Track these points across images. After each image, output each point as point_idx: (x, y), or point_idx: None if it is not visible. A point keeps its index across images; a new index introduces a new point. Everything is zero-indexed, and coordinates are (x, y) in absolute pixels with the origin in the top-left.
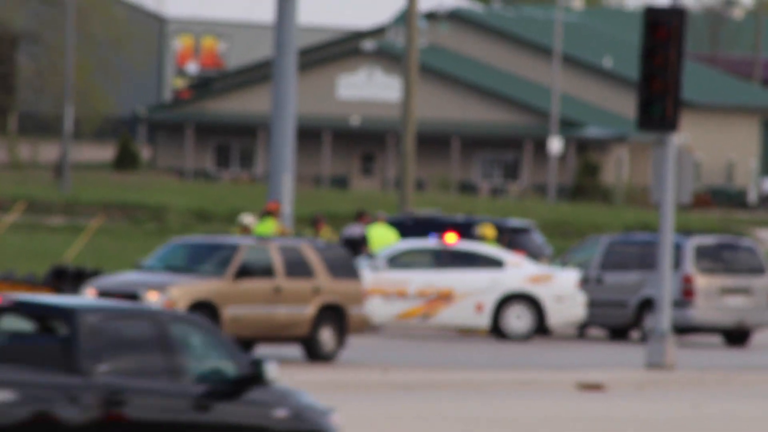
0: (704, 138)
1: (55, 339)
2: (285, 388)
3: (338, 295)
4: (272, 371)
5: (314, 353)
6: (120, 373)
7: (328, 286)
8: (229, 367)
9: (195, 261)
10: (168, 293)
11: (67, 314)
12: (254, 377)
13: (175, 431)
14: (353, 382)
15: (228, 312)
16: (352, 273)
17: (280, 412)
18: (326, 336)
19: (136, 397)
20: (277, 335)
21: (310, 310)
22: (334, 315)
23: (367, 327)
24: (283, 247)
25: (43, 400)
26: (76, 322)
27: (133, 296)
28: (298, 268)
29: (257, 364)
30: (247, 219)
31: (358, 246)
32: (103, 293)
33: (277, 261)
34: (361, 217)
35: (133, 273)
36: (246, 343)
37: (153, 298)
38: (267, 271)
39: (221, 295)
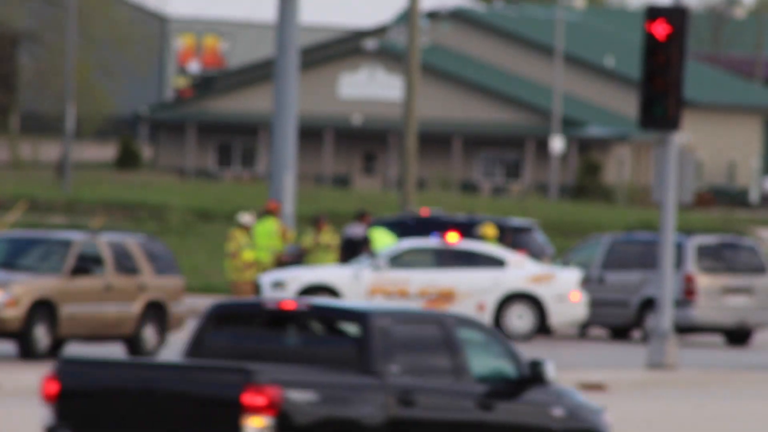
0: (706, 137)
1: (348, 341)
2: (560, 388)
3: (161, 291)
4: (551, 371)
5: (137, 351)
6: (409, 373)
7: (152, 283)
8: (509, 367)
9: (24, 256)
10: (11, 291)
11: (360, 317)
12: (534, 377)
13: (461, 430)
14: None
15: (65, 310)
16: (173, 269)
17: (557, 411)
18: (149, 334)
19: (424, 397)
20: (108, 334)
21: (136, 308)
22: (157, 312)
23: (184, 325)
24: (111, 242)
25: (340, 401)
26: (370, 325)
27: None
28: (125, 264)
29: (537, 365)
30: (245, 218)
31: (358, 246)
32: None
33: (107, 257)
34: (363, 217)
35: None
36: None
37: None
38: (99, 268)
39: (60, 292)
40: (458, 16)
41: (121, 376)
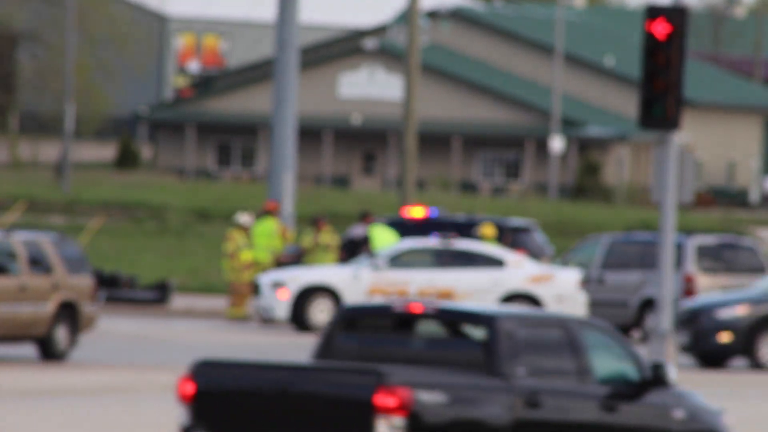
0: (706, 137)
1: (474, 344)
2: (680, 390)
3: (74, 291)
4: (672, 374)
5: (49, 352)
6: (535, 375)
7: (65, 283)
8: (631, 370)
9: None
10: None
11: (487, 320)
12: (656, 379)
13: (584, 431)
14: None
15: None
16: (84, 268)
17: (678, 413)
18: (61, 334)
19: (550, 398)
20: (21, 334)
21: (49, 308)
22: (69, 313)
23: (94, 325)
24: (25, 241)
25: (468, 402)
26: (496, 327)
27: None
28: (39, 263)
29: (658, 367)
30: (243, 218)
31: (360, 246)
32: None
33: (22, 256)
34: (366, 217)
35: None
36: None
37: None
38: (13, 267)
39: None
40: (458, 16)
41: (255, 377)
